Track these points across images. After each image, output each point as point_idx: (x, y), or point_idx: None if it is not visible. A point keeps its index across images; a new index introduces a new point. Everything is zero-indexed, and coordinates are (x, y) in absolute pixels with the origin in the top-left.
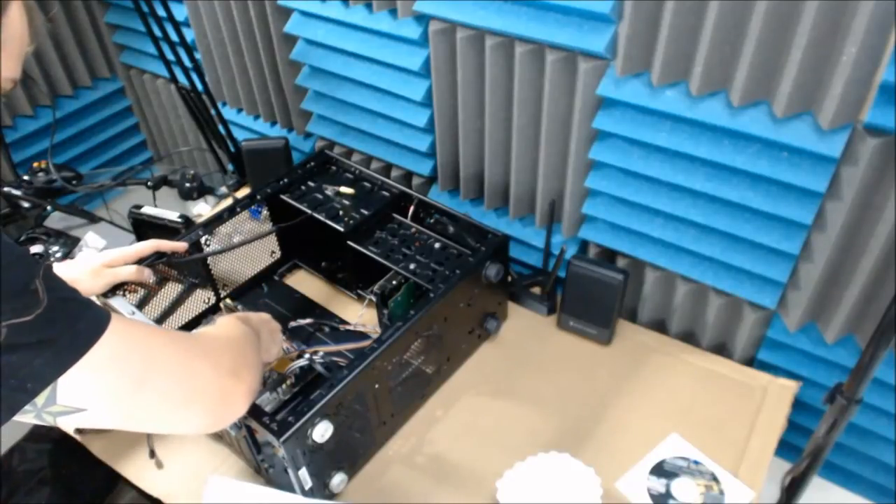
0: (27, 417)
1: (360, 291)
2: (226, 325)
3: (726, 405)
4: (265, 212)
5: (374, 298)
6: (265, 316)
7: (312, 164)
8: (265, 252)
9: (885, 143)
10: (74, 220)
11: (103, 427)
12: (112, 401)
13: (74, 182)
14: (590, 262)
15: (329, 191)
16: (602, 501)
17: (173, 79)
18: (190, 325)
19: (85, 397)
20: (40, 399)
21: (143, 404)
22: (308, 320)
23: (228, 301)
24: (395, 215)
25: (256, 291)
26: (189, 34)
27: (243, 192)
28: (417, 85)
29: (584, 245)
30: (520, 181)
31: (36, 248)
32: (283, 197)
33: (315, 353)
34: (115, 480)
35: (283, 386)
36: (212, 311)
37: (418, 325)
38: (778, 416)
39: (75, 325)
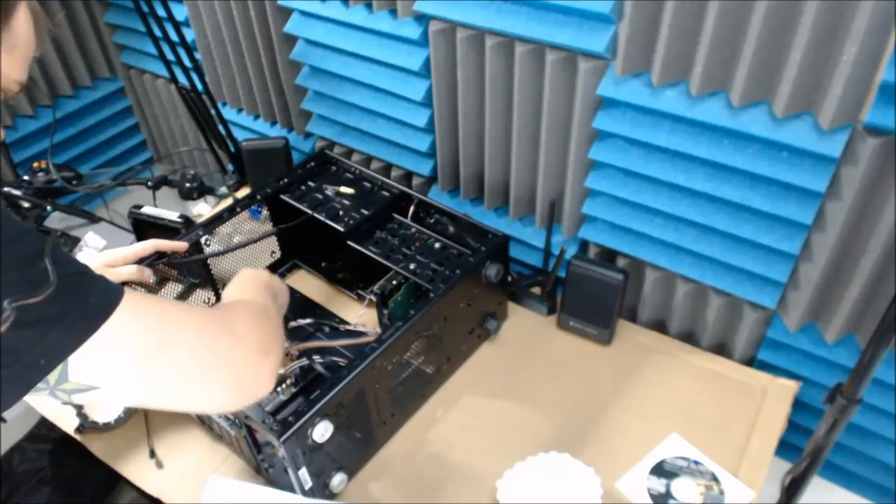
0: (41, 395)
1: (360, 291)
2: (248, 285)
3: (726, 405)
4: (265, 212)
5: (374, 298)
6: (275, 279)
7: (312, 164)
8: (265, 252)
9: (885, 143)
10: (74, 220)
11: (121, 405)
12: (127, 375)
13: (74, 182)
14: (590, 262)
15: (329, 191)
16: (602, 501)
17: (173, 79)
18: None
19: (98, 373)
20: (52, 376)
21: (161, 379)
22: (308, 320)
23: None
24: (395, 215)
25: None
26: (189, 34)
27: (243, 192)
28: (417, 85)
29: (584, 245)
30: (520, 181)
31: None
32: (283, 197)
33: (315, 353)
34: (115, 480)
35: (283, 386)
36: None
37: (418, 325)
38: (778, 416)
39: (87, 298)
